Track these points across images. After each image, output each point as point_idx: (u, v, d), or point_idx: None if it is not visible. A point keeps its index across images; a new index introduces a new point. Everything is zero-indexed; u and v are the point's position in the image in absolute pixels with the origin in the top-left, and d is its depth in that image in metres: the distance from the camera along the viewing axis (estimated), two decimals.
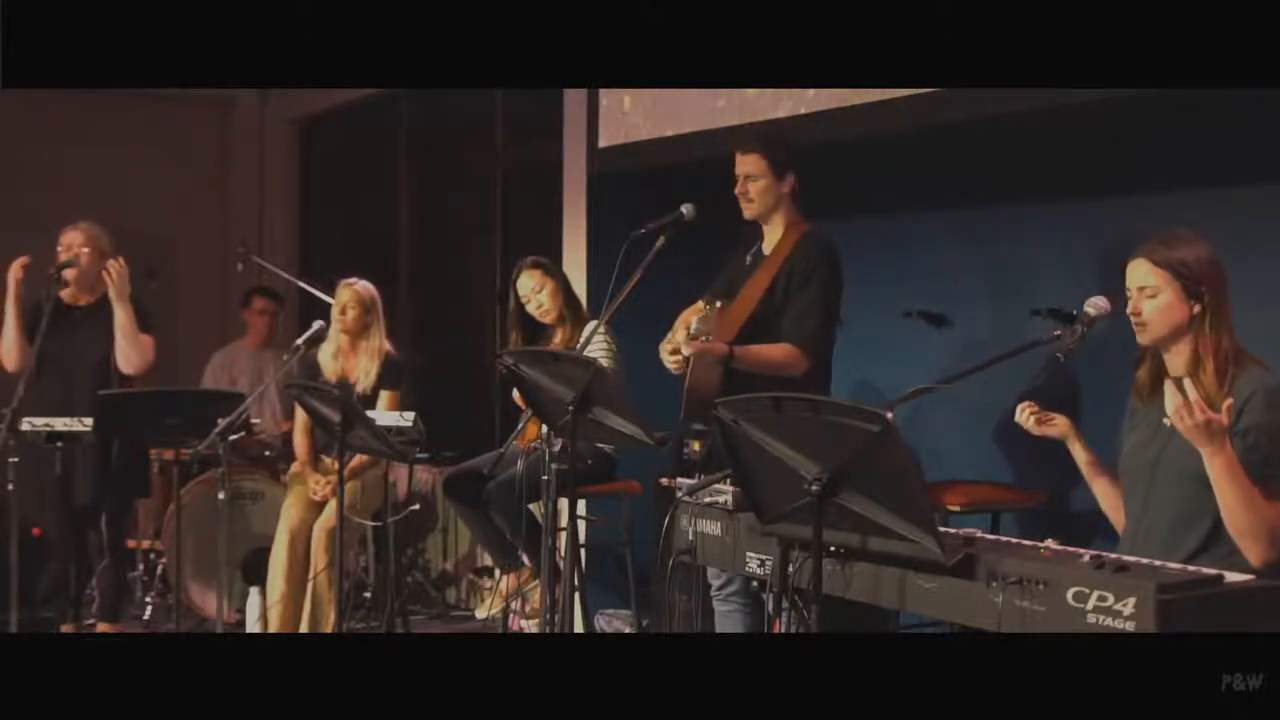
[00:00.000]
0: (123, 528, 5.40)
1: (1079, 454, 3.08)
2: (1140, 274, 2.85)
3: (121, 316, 5.02)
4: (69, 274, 5.06)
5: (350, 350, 5.28)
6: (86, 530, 5.23)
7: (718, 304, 3.54)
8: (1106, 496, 3.08)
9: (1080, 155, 4.24)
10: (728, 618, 4.12)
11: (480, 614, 5.14)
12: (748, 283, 3.93)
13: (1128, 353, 3.04)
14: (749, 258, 4.08)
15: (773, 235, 4.01)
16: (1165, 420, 2.80)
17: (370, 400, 5.13)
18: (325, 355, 5.27)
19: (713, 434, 3.98)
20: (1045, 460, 4.27)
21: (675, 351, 4.01)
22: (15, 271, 5.01)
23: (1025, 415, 3.09)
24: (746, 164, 3.96)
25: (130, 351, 5.05)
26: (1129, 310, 2.87)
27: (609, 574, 5.42)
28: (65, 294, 5.10)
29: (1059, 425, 3.08)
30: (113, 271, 4.98)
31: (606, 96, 5.44)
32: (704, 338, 3.46)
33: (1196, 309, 2.81)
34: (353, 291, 5.26)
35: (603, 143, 5.49)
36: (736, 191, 3.97)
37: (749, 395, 2.80)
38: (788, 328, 3.83)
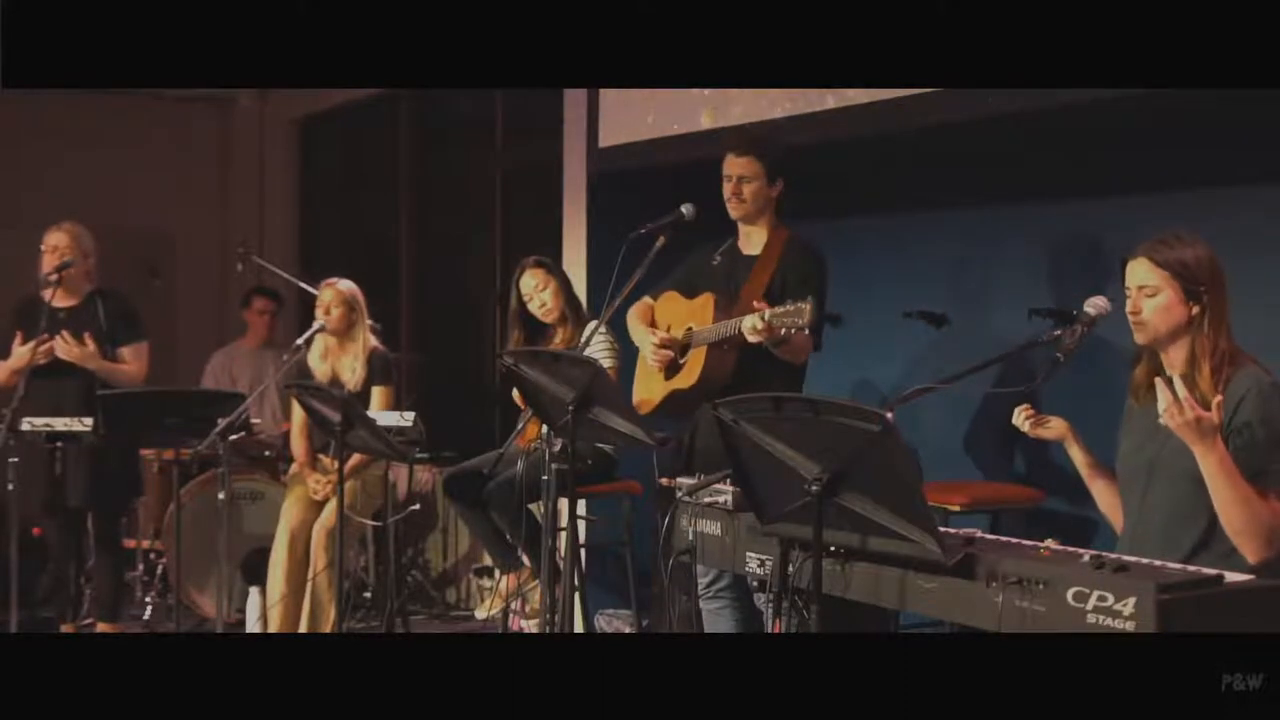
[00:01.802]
0: (114, 527, 5.41)
1: (1077, 456, 3.08)
2: (1140, 273, 2.85)
3: (97, 369, 5.06)
4: (64, 274, 5.07)
5: (338, 350, 5.28)
6: (82, 531, 5.24)
7: (809, 298, 3.50)
8: (1105, 499, 3.08)
9: (1079, 155, 4.24)
10: (718, 615, 4.13)
11: (480, 614, 5.14)
12: (747, 282, 3.94)
13: (1126, 352, 3.04)
14: (718, 257, 4.09)
15: (756, 236, 4.03)
16: (1161, 420, 2.81)
17: (362, 398, 5.13)
18: (314, 357, 5.28)
19: (690, 431, 3.99)
20: (1045, 460, 4.28)
21: (664, 345, 4.00)
22: None
23: (1021, 419, 3.10)
24: (740, 165, 3.97)
25: (118, 383, 5.10)
26: (1128, 309, 2.87)
27: (609, 574, 5.42)
28: (48, 294, 5.10)
29: (1055, 428, 3.08)
30: (66, 353, 5.00)
31: (608, 96, 5.45)
32: (786, 330, 3.44)
33: (1195, 310, 2.80)
34: (335, 291, 5.26)
35: (603, 143, 5.50)
36: (728, 191, 3.98)
37: (748, 395, 2.80)
38: None
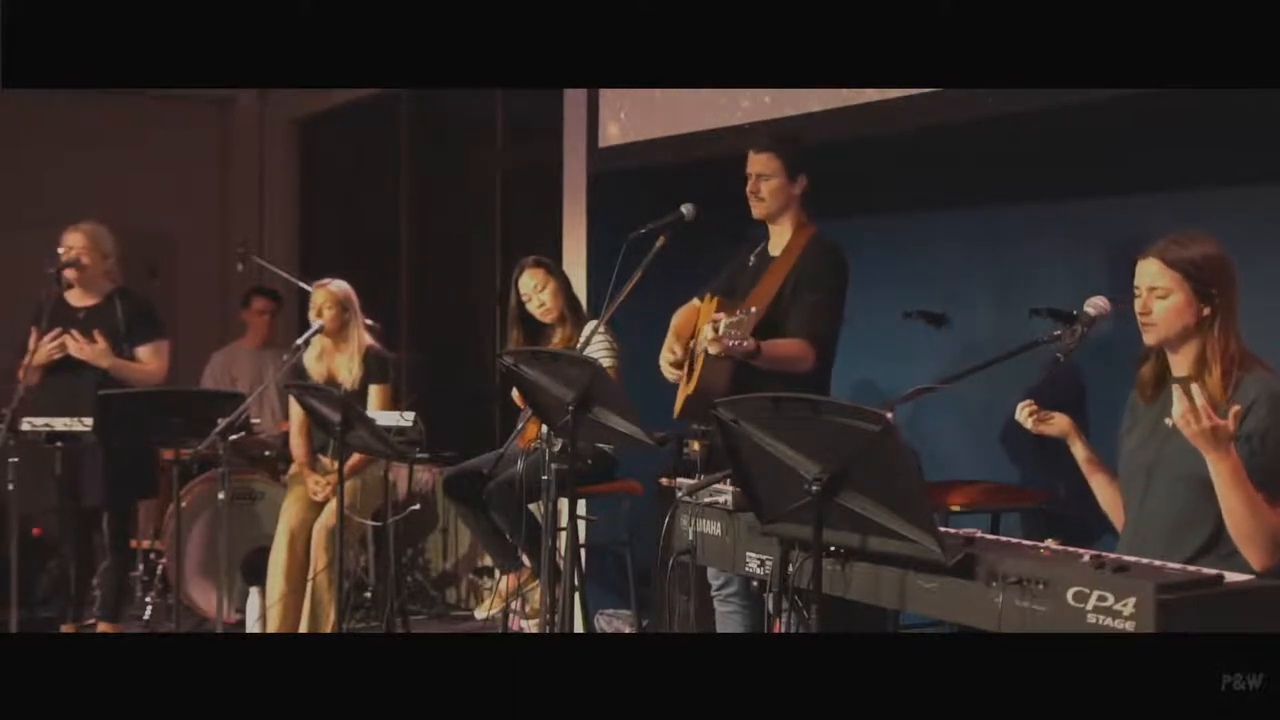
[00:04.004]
0: (126, 527, 5.41)
1: (1079, 452, 3.07)
2: (1151, 273, 2.82)
3: (110, 367, 5.05)
4: (70, 274, 5.07)
5: (333, 350, 5.29)
6: (93, 530, 5.24)
7: (752, 309, 3.45)
8: (1105, 493, 3.08)
9: (1080, 155, 4.24)
10: (728, 618, 4.12)
11: (480, 614, 5.14)
12: (759, 284, 3.91)
13: (1130, 352, 3.04)
14: (752, 258, 4.05)
15: (780, 236, 3.99)
16: (1167, 420, 2.80)
17: (359, 397, 5.13)
18: (310, 358, 5.29)
19: (713, 434, 3.98)
20: (1046, 460, 4.28)
21: (676, 364, 4.00)
22: None
23: (1024, 414, 3.09)
24: (759, 163, 3.93)
25: (135, 382, 5.10)
26: (1137, 309, 2.85)
27: (609, 574, 5.42)
28: (70, 295, 5.11)
29: (1058, 423, 3.08)
30: (78, 351, 5.00)
31: (607, 96, 5.44)
32: (736, 341, 3.39)
33: (1206, 311, 2.78)
34: (327, 292, 5.26)
35: (603, 143, 5.49)
36: (748, 190, 3.94)
37: (749, 395, 2.80)
38: (796, 325, 3.79)
